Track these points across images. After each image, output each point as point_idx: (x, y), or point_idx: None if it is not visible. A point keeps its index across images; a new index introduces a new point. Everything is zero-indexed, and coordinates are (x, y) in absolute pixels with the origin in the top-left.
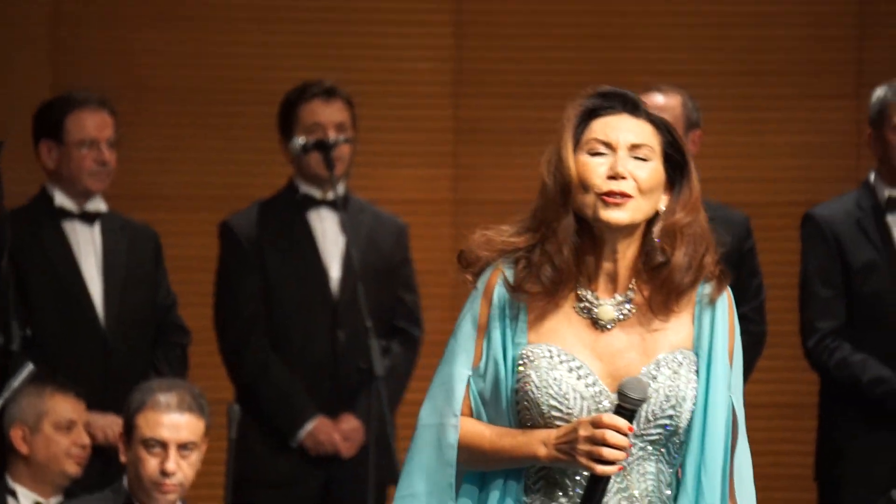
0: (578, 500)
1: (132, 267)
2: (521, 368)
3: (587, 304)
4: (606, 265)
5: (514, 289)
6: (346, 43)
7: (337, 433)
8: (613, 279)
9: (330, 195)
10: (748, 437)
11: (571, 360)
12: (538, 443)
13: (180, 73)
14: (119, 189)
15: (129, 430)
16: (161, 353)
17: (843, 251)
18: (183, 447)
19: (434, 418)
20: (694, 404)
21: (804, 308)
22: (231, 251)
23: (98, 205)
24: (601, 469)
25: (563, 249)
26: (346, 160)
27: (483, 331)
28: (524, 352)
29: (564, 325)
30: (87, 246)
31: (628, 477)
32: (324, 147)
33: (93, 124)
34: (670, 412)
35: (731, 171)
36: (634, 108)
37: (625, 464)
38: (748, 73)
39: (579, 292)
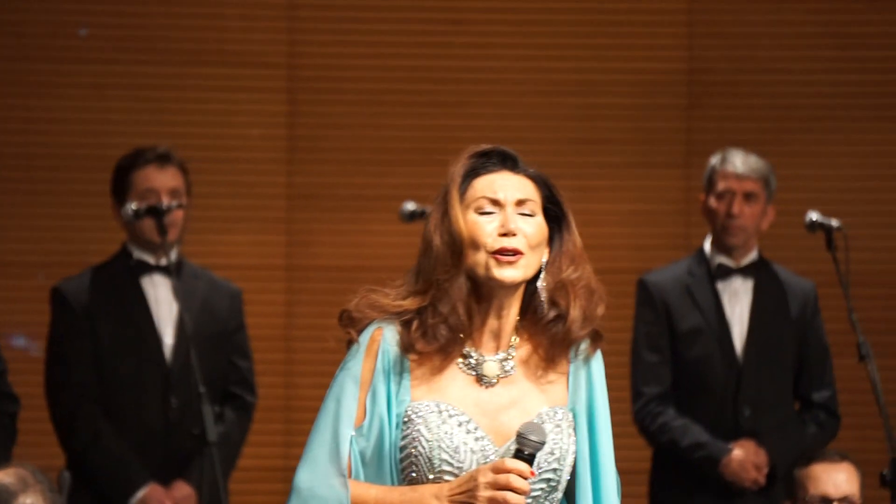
0: None
1: None
2: (407, 424)
3: (472, 361)
4: (492, 322)
5: (407, 348)
6: (179, 109)
7: (169, 500)
8: (497, 336)
9: (163, 261)
10: None
11: (460, 415)
12: (430, 496)
13: (7, 138)
14: None
15: None
16: None
17: (670, 317)
18: None
19: (317, 481)
20: (575, 461)
21: (632, 372)
22: (62, 317)
23: None
24: None
25: (458, 308)
26: (179, 226)
27: (366, 389)
28: (410, 408)
29: (449, 382)
30: None
31: None
32: (156, 213)
33: None
34: (555, 465)
35: None
36: (514, 164)
37: None
38: (578, 142)
39: (464, 349)
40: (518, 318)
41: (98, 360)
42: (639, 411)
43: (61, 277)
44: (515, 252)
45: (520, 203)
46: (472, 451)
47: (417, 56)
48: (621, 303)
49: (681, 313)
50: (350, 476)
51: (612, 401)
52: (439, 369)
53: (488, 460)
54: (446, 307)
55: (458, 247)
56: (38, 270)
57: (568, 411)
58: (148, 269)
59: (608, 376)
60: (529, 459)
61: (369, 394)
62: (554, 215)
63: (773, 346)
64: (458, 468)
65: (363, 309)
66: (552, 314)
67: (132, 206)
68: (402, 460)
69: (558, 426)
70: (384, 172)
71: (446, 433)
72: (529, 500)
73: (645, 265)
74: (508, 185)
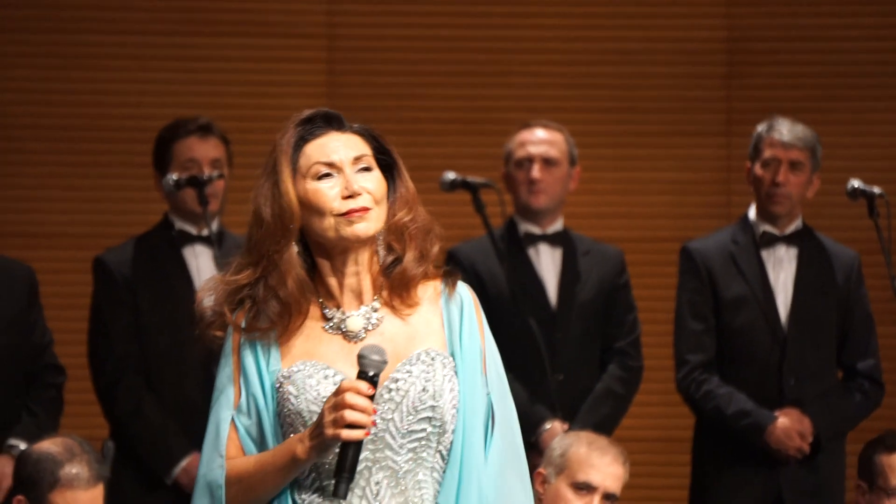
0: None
1: (5, 307)
2: (279, 390)
3: (334, 322)
4: (350, 282)
5: (248, 330)
6: (220, 80)
7: None
8: (358, 294)
9: (205, 231)
10: None
11: (326, 369)
12: (295, 442)
13: (51, 110)
14: None
15: (38, 502)
16: (34, 393)
17: (715, 285)
18: None
19: (204, 468)
20: (457, 402)
21: (676, 340)
22: (105, 287)
23: None
24: (346, 434)
25: (288, 281)
26: (220, 196)
27: (238, 369)
28: (280, 375)
29: (316, 345)
30: None
31: (404, 485)
32: (197, 183)
33: None
34: (431, 403)
35: (603, 207)
36: (340, 123)
37: (382, 439)
38: (619, 111)
39: (325, 312)
40: (378, 272)
41: (140, 330)
42: (683, 379)
43: (103, 248)
44: (363, 210)
45: (356, 161)
46: None
47: (457, 26)
48: (662, 271)
49: (725, 281)
50: (245, 454)
51: (657, 369)
52: (304, 335)
53: None
54: (275, 279)
55: (289, 219)
56: (80, 241)
57: (448, 355)
58: (190, 239)
59: (649, 344)
60: (373, 380)
61: (241, 373)
62: (386, 164)
63: (818, 315)
64: None
65: (209, 307)
66: (389, 259)
67: (173, 176)
68: (282, 426)
69: (430, 364)
70: (424, 142)
71: (311, 386)
72: (414, 444)
73: (686, 234)
74: (340, 146)
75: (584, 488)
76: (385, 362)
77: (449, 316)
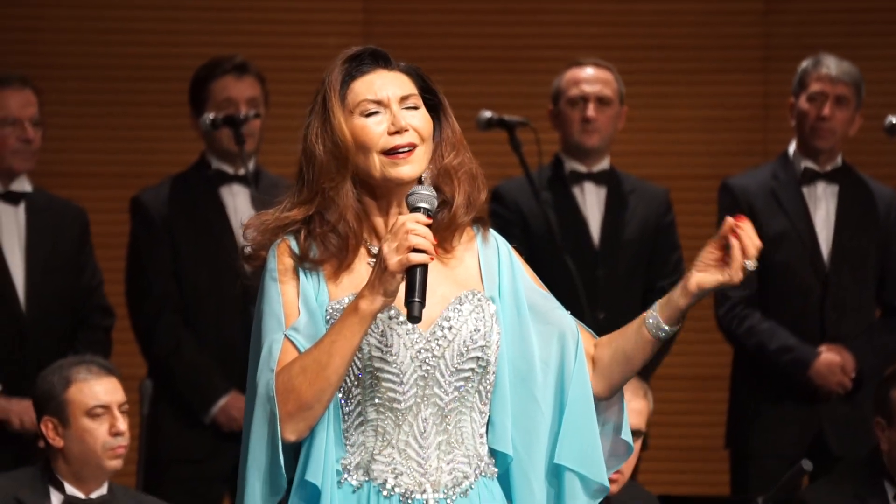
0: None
1: (56, 249)
2: (330, 322)
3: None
4: (392, 219)
5: (301, 258)
6: (255, 18)
7: None
8: None
9: (241, 171)
10: (659, 408)
11: None
12: (357, 300)
13: (86, 49)
14: None
15: (61, 411)
16: (82, 335)
17: (756, 221)
18: (121, 408)
19: (259, 386)
20: (500, 345)
21: None
22: (142, 227)
23: (23, 185)
24: (413, 257)
25: (347, 216)
26: (257, 135)
27: (298, 292)
28: (329, 307)
29: (363, 278)
30: (11, 227)
31: (447, 423)
32: (233, 122)
33: (15, 103)
34: (481, 343)
35: (641, 144)
36: (386, 61)
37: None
38: (655, 48)
39: (371, 248)
40: None
41: (178, 269)
42: (724, 315)
43: (140, 188)
44: (410, 146)
45: (403, 99)
46: (399, 336)
47: None
48: (699, 209)
49: (766, 217)
50: None
51: (697, 307)
52: (348, 270)
53: (416, 347)
54: (334, 215)
55: (343, 154)
56: (116, 181)
57: (488, 299)
58: (226, 178)
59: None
60: (426, 213)
61: (301, 295)
62: (431, 105)
63: (859, 252)
64: (386, 351)
65: (256, 237)
66: (435, 202)
67: (210, 116)
68: None
69: (478, 306)
70: (460, 80)
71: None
72: (461, 383)
73: (723, 171)
74: (388, 84)
75: None
76: (434, 196)
77: (486, 260)
